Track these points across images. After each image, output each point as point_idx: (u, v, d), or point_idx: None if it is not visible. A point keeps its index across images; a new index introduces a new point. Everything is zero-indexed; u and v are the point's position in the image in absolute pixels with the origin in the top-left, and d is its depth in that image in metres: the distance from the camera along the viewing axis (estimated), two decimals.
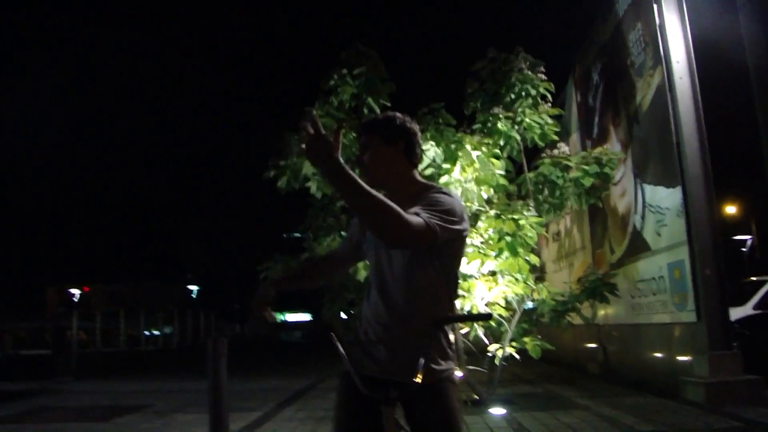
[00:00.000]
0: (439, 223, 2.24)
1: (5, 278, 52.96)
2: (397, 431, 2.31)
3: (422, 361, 2.26)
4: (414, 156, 2.54)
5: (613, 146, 10.00)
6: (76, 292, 50.21)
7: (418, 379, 2.24)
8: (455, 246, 2.44)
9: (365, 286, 2.55)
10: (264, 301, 2.53)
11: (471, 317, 2.42)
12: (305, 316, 62.63)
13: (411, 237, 2.18)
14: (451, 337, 2.52)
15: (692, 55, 8.06)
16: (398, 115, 2.57)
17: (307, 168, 7.67)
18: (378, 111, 7.66)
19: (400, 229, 2.13)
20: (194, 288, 53.81)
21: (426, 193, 2.42)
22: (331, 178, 2.09)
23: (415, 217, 2.21)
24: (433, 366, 2.35)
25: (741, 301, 10.45)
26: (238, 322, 53.68)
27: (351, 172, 2.07)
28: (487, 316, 2.68)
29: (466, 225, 2.40)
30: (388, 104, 7.62)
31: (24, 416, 8.93)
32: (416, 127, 2.56)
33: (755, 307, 10.34)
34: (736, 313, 9.50)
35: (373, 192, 2.11)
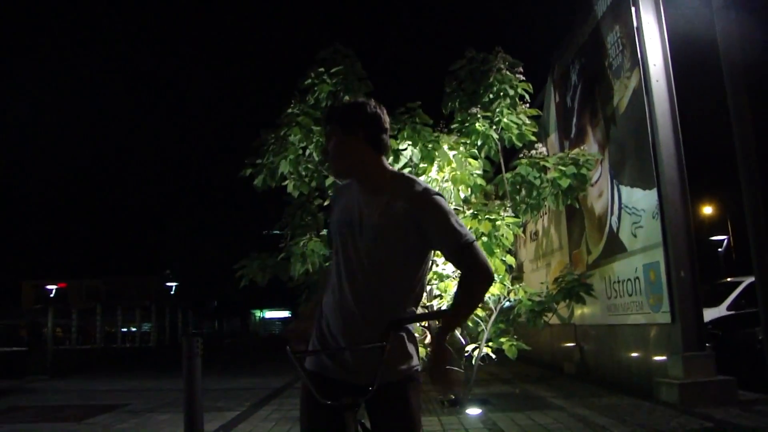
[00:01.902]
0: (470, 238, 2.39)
1: None
2: None
3: (382, 360, 2.24)
4: (379, 144, 2.46)
5: (591, 147, 10.04)
6: (52, 287, 49.70)
7: (379, 379, 2.24)
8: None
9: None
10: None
11: (430, 315, 2.36)
12: (284, 314, 62.61)
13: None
14: (428, 338, 2.53)
15: (669, 57, 8.10)
16: (360, 101, 2.51)
17: (284, 167, 7.64)
18: None
19: (489, 281, 2.40)
20: (173, 284, 53.41)
21: (413, 190, 2.40)
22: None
23: (478, 256, 2.35)
24: (395, 365, 2.34)
25: (715, 302, 10.56)
26: (216, 318, 53.44)
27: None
28: (445, 313, 2.65)
29: None
30: None
31: None
32: (381, 114, 2.47)
33: (729, 308, 10.45)
34: (710, 314, 9.60)
35: (464, 306, 2.42)
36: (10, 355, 19.90)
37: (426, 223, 2.36)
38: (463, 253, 2.34)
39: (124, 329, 29.74)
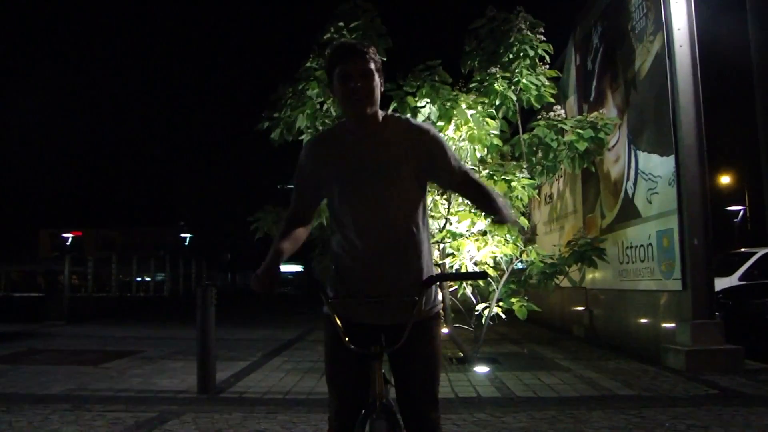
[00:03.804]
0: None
1: None
2: (383, 384, 2.39)
3: (424, 300, 2.41)
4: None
5: (610, 111, 9.96)
6: (68, 236, 50.25)
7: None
8: None
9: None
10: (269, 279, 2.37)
11: (466, 276, 2.34)
12: (297, 267, 63.04)
13: None
14: (439, 295, 2.62)
15: (694, 22, 7.97)
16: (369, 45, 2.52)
17: (301, 121, 7.64)
18: None
19: None
20: (187, 236, 53.83)
21: (413, 125, 2.51)
22: None
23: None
24: (423, 308, 2.46)
25: (728, 272, 10.55)
26: (229, 270, 53.94)
27: None
28: (483, 275, 2.76)
29: None
30: (384, 59, 7.54)
31: (15, 357, 9.03)
32: None
33: (741, 278, 10.44)
34: (721, 283, 9.60)
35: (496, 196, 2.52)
36: (28, 301, 20.29)
37: (434, 154, 2.48)
38: (468, 173, 2.56)
39: (139, 278, 30.04)
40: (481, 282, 7.71)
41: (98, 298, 22.29)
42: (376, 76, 2.41)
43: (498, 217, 2.48)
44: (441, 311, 2.60)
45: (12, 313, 17.06)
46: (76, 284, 25.06)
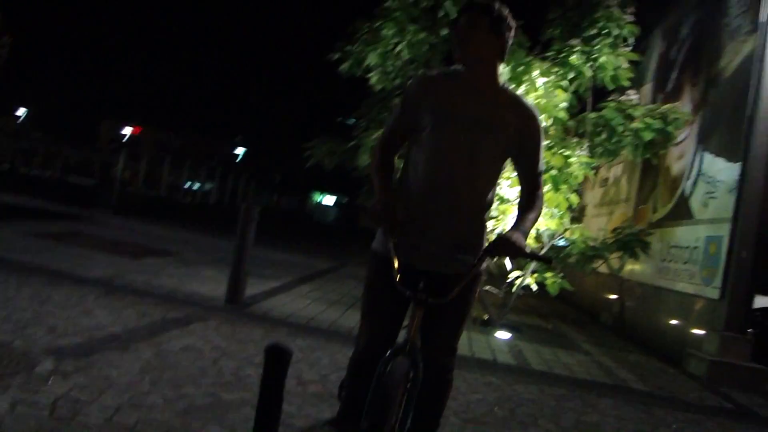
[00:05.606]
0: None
1: (64, 105, 53.98)
2: (417, 332, 2.46)
3: (469, 275, 2.48)
4: (506, 53, 2.59)
5: (684, 106, 9.67)
6: (128, 130, 51.26)
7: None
8: None
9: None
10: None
11: (532, 256, 2.34)
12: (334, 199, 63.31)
13: None
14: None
15: None
16: (505, 8, 2.58)
17: (372, 58, 7.61)
18: (453, 16, 7.51)
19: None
20: (241, 150, 54.34)
21: (525, 107, 2.59)
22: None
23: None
24: (477, 261, 2.55)
25: None
26: (277, 192, 54.53)
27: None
28: (548, 260, 2.84)
29: None
30: None
31: (60, 236, 9.36)
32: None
33: None
34: (762, 302, 9.41)
35: (533, 221, 2.61)
36: (81, 187, 20.93)
37: (528, 141, 2.56)
38: (539, 178, 2.61)
39: (188, 184, 30.61)
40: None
41: (147, 195, 22.83)
42: (481, 29, 2.51)
43: (495, 245, 2.45)
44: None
45: (65, 197, 17.59)
46: (128, 178, 25.65)
